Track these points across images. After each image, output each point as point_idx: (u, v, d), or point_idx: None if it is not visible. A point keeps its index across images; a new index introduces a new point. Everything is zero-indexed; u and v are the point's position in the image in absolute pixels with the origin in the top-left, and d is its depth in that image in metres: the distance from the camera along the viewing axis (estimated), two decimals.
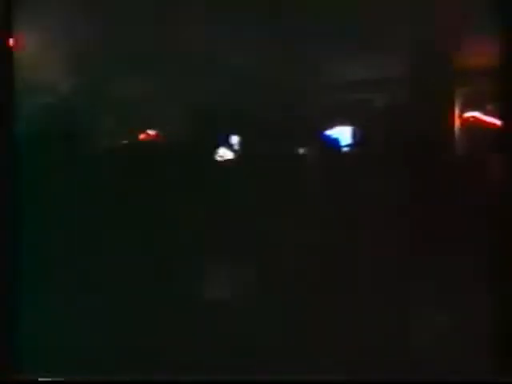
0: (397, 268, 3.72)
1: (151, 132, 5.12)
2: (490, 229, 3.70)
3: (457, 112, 5.36)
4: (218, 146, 4.88)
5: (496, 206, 3.75)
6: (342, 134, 5.48)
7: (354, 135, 5.53)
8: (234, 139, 5.72)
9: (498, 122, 5.06)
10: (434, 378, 3.23)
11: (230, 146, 5.62)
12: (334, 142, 5.01)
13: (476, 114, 5.34)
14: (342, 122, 5.70)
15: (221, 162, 4.99)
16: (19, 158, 3.53)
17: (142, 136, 5.04)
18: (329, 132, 5.47)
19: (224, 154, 5.42)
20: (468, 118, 5.36)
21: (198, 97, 5.48)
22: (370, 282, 3.80)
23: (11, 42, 3.59)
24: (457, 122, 5.34)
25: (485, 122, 5.25)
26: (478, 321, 3.39)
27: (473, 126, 5.26)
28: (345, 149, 5.22)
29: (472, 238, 3.71)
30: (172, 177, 3.92)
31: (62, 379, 3.38)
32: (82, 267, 3.54)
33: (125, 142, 4.52)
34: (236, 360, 3.53)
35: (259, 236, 3.96)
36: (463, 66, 5.35)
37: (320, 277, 3.84)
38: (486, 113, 5.27)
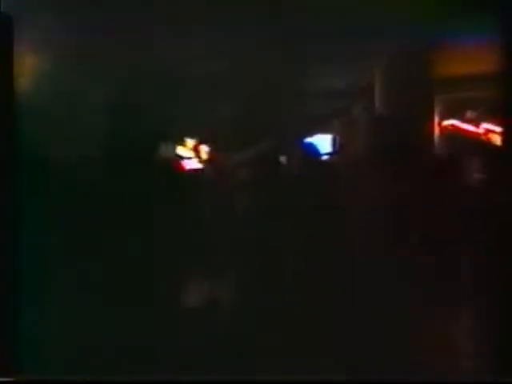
0: (390, 270, 3.79)
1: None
2: (475, 233, 3.80)
3: (437, 120, 5.45)
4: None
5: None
6: (322, 142, 5.52)
7: (334, 143, 5.57)
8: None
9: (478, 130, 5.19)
10: (434, 377, 3.30)
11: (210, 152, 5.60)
12: (314, 150, 5.07)
13: (455, 122, 5.44)
14: (322, 130, 5.72)
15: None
16: (20, 159, 3.53)
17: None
18: (309, 140, 5.51)
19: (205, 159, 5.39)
20: (447, 126, 5.46)
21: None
22: (356, 284, 3.86)
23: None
24: (436, 130, 5.42)
25: (464, 129, 5.35)
26: (478, 321, 3.46)
27: (452, 134, 5.36)
28: (325, 157, 5.27)
29: (462, 240, 3.80)
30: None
31: (62, 379, 3.38)
32: (83, 267, 3.54)
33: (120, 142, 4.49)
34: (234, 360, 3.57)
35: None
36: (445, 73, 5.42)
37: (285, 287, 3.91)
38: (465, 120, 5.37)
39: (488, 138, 5.15)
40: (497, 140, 4.89)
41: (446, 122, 5.52)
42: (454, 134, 5.42)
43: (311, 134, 5.64)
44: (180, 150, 5.90)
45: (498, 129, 4.76)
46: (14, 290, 3.42)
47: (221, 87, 5.67)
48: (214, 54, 5.63)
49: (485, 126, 5.35)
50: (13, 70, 3.56)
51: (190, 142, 6.02)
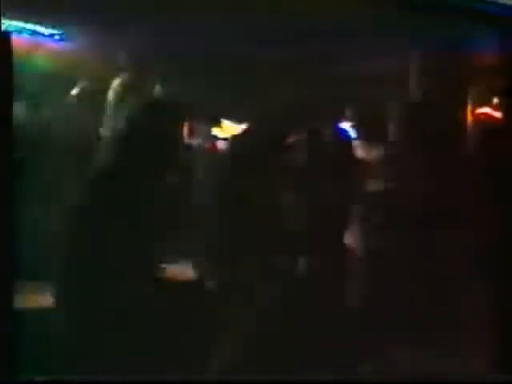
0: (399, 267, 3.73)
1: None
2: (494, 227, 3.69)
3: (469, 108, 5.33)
4: None
5: None
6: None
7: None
8: None
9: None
10: (434, 377, 3.22)
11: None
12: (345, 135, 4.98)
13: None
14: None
15: None
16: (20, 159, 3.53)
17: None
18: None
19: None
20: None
21: None
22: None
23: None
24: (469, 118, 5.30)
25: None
26: (478, 321, 3.38)
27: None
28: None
29: (472, 236, 3.70)
30: None
31: (62, 379, 3.38)
32: (83, 267, 3.52)
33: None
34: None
35: None
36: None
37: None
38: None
39: None
40: None
41: None
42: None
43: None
44: None
45: None
46: (14, 290, 3.41)
47: None
48: None
49: None
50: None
51: None
